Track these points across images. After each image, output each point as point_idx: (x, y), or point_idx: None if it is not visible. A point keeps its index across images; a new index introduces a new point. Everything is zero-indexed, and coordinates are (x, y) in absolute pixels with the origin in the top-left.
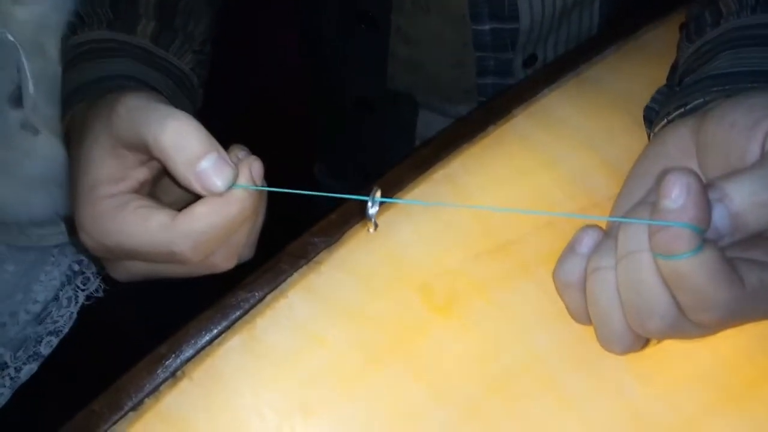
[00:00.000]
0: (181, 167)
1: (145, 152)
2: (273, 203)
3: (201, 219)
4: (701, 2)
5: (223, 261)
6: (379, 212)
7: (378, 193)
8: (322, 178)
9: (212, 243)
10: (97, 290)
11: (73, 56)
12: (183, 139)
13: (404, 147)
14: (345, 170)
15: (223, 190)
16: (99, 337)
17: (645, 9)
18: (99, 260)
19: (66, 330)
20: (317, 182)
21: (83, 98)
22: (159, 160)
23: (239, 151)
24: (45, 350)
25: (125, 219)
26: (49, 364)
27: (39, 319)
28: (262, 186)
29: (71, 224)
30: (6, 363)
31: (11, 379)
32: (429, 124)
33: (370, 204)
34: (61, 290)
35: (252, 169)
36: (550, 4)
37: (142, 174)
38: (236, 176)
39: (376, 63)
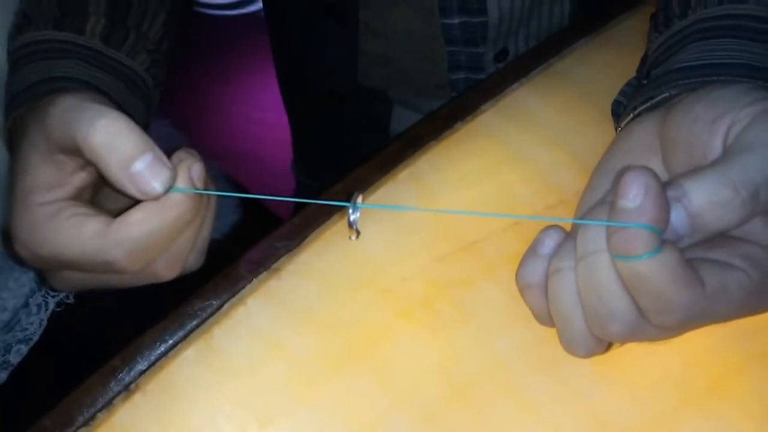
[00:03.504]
0: (114, 169)
1: (81, 155)
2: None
3: (136, 226)
4: None
5: (165, 269)
6: (341, 215)
7: (360, 199)
8: (299, 175)
9: (150, 251)
10: (67, 296)
11: (16, 57)
12: (115, 139)
13: (379, 144)
14: (320, 168)
15: (160, 192)
16: (69, 343)
17: (615, 1)
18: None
19: (36, 337)
20: (296, 180)
21: (25, 101)
22: (92, 162)
23: (181, 154)
24: (14, 359)
25: (58, 228)
26: (18, 372)
27: (8, 326)
28: (203, 190)
29: (7, 237)
30: None
31: None
32: (404, 120)
33: (351, 211)
34: (31, 297)
35: (192, 170)
36: None
37: (79, 180)
38: (174, 178)
39: (347, 58)
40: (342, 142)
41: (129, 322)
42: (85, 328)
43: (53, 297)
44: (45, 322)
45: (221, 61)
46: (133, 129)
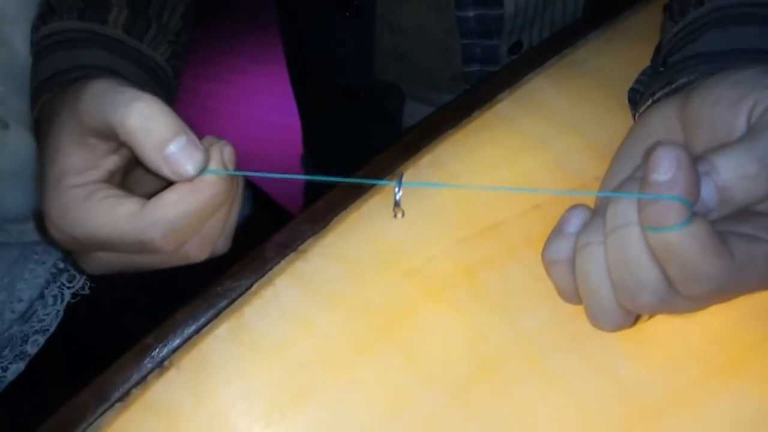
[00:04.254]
0: (149, 151)
1: (114, 139)
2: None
3: (171, 206)
4: None
5: (197, 251)
6: (364, 199)
7: (403, 179)
8: (309, 167)
9: (184, 231)
10: (83, 287)
11: (42, 47)
12: (150, 122)
13: (391, 137)
14: (331, 160)
15: (193, 174)
16: (86, 332)
17: None
18: (71, 254)
19: (53, 328)
20: (304, 172)
21: (52, 88)
22: (126, 145)
23: (210, 138)
24: (32, 349)
25: (93, 209)
26: (36, 361)
27: (25, 317)
28: (235, 171)
29: (40, 220)
30: None
31: None
32: (415, 113)
33: (396, 189)
34: (47, 288)
35: (224, 153)
36: None
37: (111, 163)
38: (207, 161)
39: (363, 53)
40: (354, 136)
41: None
42: (100, 319)
43: (69, 288)
44: (61, 313)
45: (220, 62)
46: (167, 112)
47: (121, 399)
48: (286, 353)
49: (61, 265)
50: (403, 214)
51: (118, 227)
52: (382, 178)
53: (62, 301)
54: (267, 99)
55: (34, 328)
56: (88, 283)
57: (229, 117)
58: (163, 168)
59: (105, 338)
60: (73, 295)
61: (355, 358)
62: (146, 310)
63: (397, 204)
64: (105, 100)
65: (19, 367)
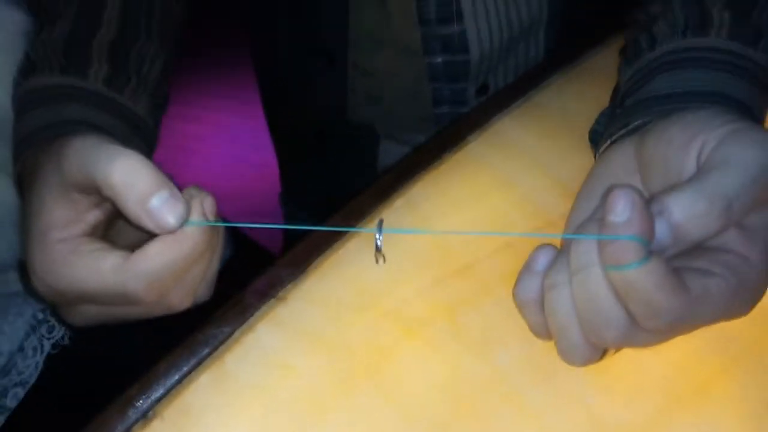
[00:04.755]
0: (132, 205)
1: (97, 193)
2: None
3: (154, 258)
4: (637, 28)
5: (179, 300)
6: (342, 242)
7: (382, 224)
8: (287, 205)
9: (166, 282)
10: (63, 338)
11: (24, 102)
12: (133, 177)
13: (367, 175)
14: (309, 198)
15: (175, 226)
16: (66, 383)
17: (586, 36)
18: (54, 306)
19: (32, 380)
20: (283, 210)
21: (34, 144)
22: (110, 199)
23: (191, 190)
24: (11, 402)
25: (78, 263)
26: (16, 415)
27: (4, 370)
28: (216, 222)
29: (23, 270)
30: None
31: None
32: (389, 152)
33: (377, 236)
34: (26, 340)
35: (204, 204)
36: (498, 37)
37: (94, 217)
38: (188, 212)
39: (336, 97)
40: (330, 175)
41: (122, 364)
42: (80, 370)
43: (49, 339)
44: (41, 365)
45: (191, 102)
46: (149, 167)
47: None
48: (269, 398)
49: (41, 316)
50: (384, 260)
51: (103, 280)
52: (358, 221)
53: (42, 352)
54: (241, 137)
55: (14, 381)
56: (68, 334)
57: (203, 156)
58: (146, 221)
59: (85, 389)
60: (53, 346)
61: (336, 399)
62: (126, 360)
63: (378, 250)
64: (88, 156)
65: None
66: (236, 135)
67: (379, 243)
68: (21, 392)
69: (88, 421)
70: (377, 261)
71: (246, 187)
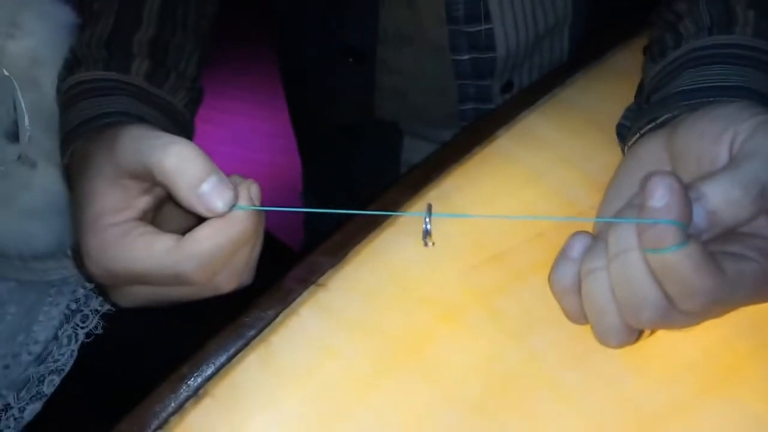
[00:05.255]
0: (184, 190)
1: (148, 180)
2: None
3: (205, 240)
4: (662, 26)
5: (226, 282)
6: (377, 232)
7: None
8: (309, 204)
9: (216, 264)
10: (96, 327)
11: (70, 95)
12: (185, 164)
13: (390, 173)
14: (332, 197)
15: (224, 210)
16: (100, 372)
17: (610, 34)
18: (103, 289)
19: (67, 368)
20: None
21: (83, 135)
22: (162, 185)
23: (236, 178)
24: (48, 389)
25: (131, 245)
26: (52, 401)
27: (40, 358)
28: (262, 207)
29: (76, 255)
30: (9, 404)
31: (15, 419)
32: (413, 149)
33: (427, 220)
34: (60, 329)
35: (251, 190)
36: (524, 36)
37: (144, 202)
38: (236, 198)
39: (363, 94)
40: (354, 171)
41: (154, 352)
42: (114, 358)
43: (82, 329)
44: (76, 353)
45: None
46: (200, 154)
47: (160, 427)
48: (313, 378)
49: (74, 306)
50: (433, 243)
51: (156, 261)
52: (392, 211)
53: (76, 341)
54: (257, 138)
55: (50, 369)
56: (101, 323)
57: (220, 158)
58: (197, 205)
59: (118, 377)
60: (87, 335)
61: (378, 380)
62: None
63: (428, 233)
64: (142, 144)
65: (36, 407)
66: (251, 136)
67: (428, 227)
68: (57, 379)
69: (121, 408)
70: (426, 244)
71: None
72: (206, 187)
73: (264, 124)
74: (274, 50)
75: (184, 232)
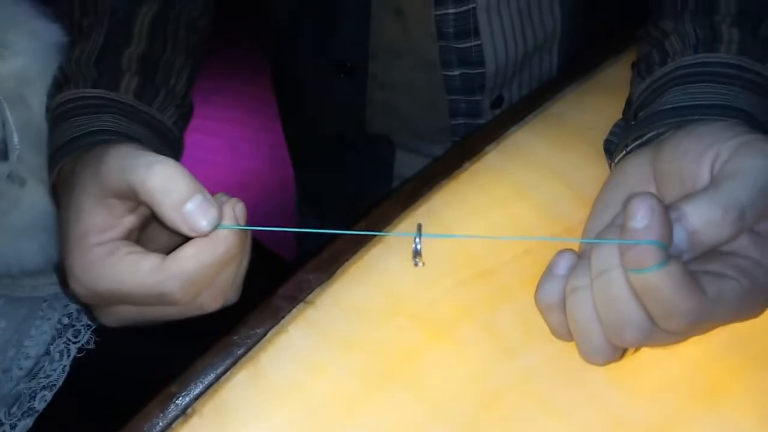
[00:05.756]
0: (168, 209)
1: (133, 199)
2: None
3: (189, 259)
4: (649, 43)
5: (210, 302)
6: (366, 249)
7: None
8: (304, 214)
9: (200, 283)
10: (88, 342)
11: (58, 113)
12: (170, 183)
13: (383, 185)
14: (325, 207)
15: (208, 229)
16: (92, 387)
17: (599, 49)
18: (88, 308)
19: (59, 383)
20: (299, 219)
21: (70, 153)
22: (147, 204)
23: (222, 197)
24: (39, 405)
25: (116, 265)
26: (44, 417)
27: (32, 374)
28: (246, 226)
29: (61, 274)
30: (1, 420)
31: None
32: (405, 162)
33: (417, 240)
34: (52, 344)
35: (235, 210)
36: (513, 52)
37: (129, 222)
38: (221, 217)
39: (355, 108)
40: (348, 184)
41: (145, 367)
42: (106, 373)
43: (74, 343)
44: (68, 368)
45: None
46: (184, 173)
47: None
48: (302, 396)
49: (66, 321)
50: (423, 263)
51: (141, 281)
52: (383, 228)
53: (68, 356)
54: (250, 148)
55: (41, 384)
56: (93, 338)
57: (213, 167)
58: (181, 224)
59: (109, 393)
60: (79, 350)
61: (367, 398)
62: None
63: (418, 253)
64: (126, 164)
65: (28, 423)
66: (244, 145)
67: (418, 247)
68: (48, 395)
69: (112, 424)
70: (416, 264)
71: (256, 197)
72: (190, 206)
73: (257, 133)
74: (267, 61)
75: (169, 251)
